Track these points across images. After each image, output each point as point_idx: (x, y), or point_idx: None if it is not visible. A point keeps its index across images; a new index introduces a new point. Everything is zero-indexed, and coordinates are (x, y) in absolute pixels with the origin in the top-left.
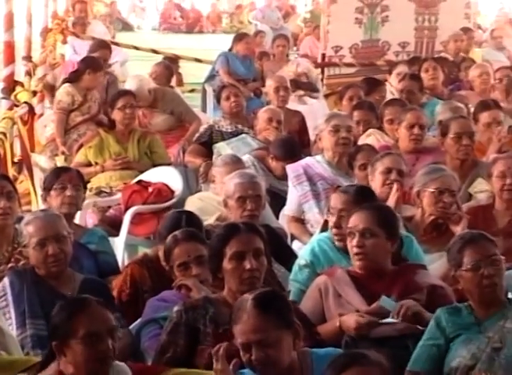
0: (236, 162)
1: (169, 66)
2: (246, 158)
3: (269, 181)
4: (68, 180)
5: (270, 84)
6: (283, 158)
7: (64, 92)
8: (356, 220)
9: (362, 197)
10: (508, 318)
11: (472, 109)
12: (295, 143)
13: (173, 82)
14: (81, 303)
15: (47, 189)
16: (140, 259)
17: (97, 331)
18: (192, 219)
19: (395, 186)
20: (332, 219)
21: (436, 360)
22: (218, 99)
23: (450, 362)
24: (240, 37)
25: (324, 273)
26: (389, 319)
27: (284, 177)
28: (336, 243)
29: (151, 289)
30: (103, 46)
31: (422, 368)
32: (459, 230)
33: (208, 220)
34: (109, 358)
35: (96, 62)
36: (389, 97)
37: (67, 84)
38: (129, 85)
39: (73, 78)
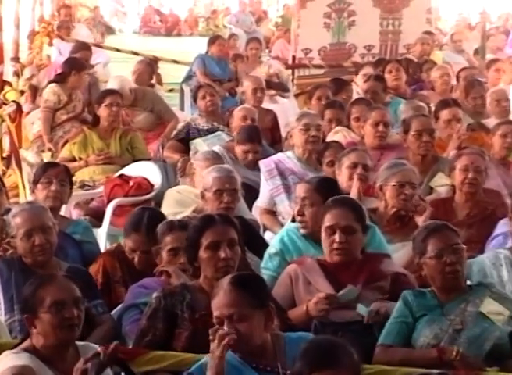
0: (216, 158)
1: (151, 63)
2: (216, 149)
3: (237, 170)
4: (54, 175)
5: (248, 85)
6: (243, 142)
7: (50, 92)
8: (337, 217)
9: (324, 187)
10: (469, 302)
11: (433, 108)
12: (257, 130)
13: (154, 80)
14: (48, 277)
15: (34, 182)
16: (112, 250)
17: (63, 299)
18: (155, 216)
19: (356, 177)
20: (296, 208)
21: (405, 336)
22: (194, 98)
23: (416, 340)
24: (213, 39)
25: (294, 262)
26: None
27: (250, 165)
28: (301, 230)
29: (121, 279)
30: (84, 48)
31: (394, 341)
32: (422, 220)
33: (185, 212)
34: (75, 326)
35: (79, 62)
36: (355, 97)
37: (53, 84)
38: (112, 85)
39: (59, 79)
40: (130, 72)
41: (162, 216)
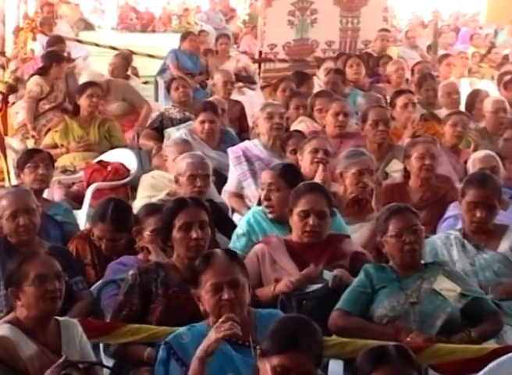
0: (185, 143)
1: (127, 57)
2: (181, 131)
3: (201, 149)
4: (40, 160)
5: (219, 78)
6: (198, 113)
7: (34, 83)
8: (311, 202)
9: (288, 173)
10: (424, 279)
11: (389, 101)
12: (212, 103)
13: (130, 72)
14: (31, 253)
15: (20, 167)
16: (84, 234)
17: (46, 273)
18: (120, 206)
19: (321, 166)
20: (262, 193)
21: (363, 306)
22: (168, 90)
23: (374, 311)
24: (185, 35)
25: (261, 241)
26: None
27: (211, 143)
28: (268, 215)
29: (91, 262)
30: (59, 41)
31: (351, 308)
32: (373, 201)
33: (159, 195)
34: (57, 298)
35: (59, 55)
36: (317, 89)
37: (36, 76)
38: (84, 79)
39: (42, 72)
40: (108, 63)
41: (128, 206)
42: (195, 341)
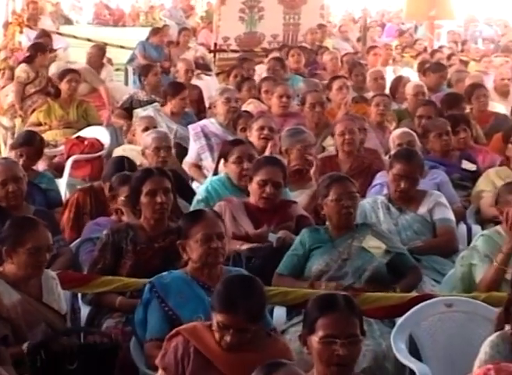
0: (150, 119)
1: (102, 48)
2: (149, 110)
3: (167, 123)
4: (26, 151)
5: (181, 66)
6: (175, 91)
7: (21, 70)
8: (270, 173)
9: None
10: (355, 238)
11: (326, 85)
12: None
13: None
14: (32, 222)
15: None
16: (86, 188)
17: (41, 246)
18: (131, 163)
19: (270, 142)
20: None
21: (297, 266)
22: (141, 75)
23: (310, 267)
24: (155, 31)
25: (224, 200)
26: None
27: (176, 119)
28: (237, 182)
29: (88, 212)
30: (45, 35)
31: (286, 271)
32: (312, 172)
33: None
34: (43, 267)
35: (42, 45)
36: (264, 74)
37: (23, 64)
38: (52, 70)
39: (28, 60)
40: (86, 54)
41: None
42: (174, 282)
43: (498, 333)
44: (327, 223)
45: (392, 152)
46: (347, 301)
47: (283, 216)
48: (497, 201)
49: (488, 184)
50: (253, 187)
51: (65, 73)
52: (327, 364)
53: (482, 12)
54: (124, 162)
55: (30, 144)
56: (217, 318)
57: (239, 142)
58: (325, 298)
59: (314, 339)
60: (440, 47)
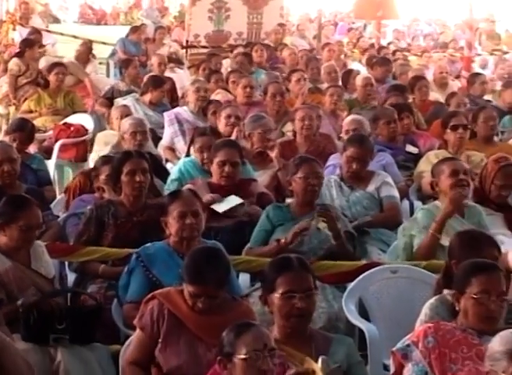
0: (124, 107)
1: (89, 46)
2: (128, 99)
3: (144, 111)
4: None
5: (155, 60)
6: (154, 84)
7: (14, 64)
8: (227, 155)
9: (215, 134)
10: (314, 218)
11: (285, 77)
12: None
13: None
14: (26, 202)
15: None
16: (87, 172)
17: (32, 225)
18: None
19: (236, 128)
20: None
21: (266, 240)
22: (123, 68)
23: (272, 243)
24: (134, 29)
25: (190, 183)
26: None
27: (153, 108)
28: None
29: (88, 191)
30: (36, 32)
31: (254, 245)
32: (274, 155)
33: (106, 149)
34: (33, 242)
35: (31, 41)
36: (230, 68)
37: (15, 58)
38: (42, 63)
39: (19, 54)
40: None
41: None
42: (158, 253)
43: (437, 296)
44: (287, 200)
45: (346, 137)
46: (300, 261)
47: (244, 193)
48: (432, 174)
49: (428, 165)
50: (214, 167)
51: (53, 66)
52: (287, 317)
53: (424, 13)
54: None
55: (22, 130)
56: (188, 288)
57: (202, 133)
58: (280, 260)
59: (275, 296)
60: (389, 43)
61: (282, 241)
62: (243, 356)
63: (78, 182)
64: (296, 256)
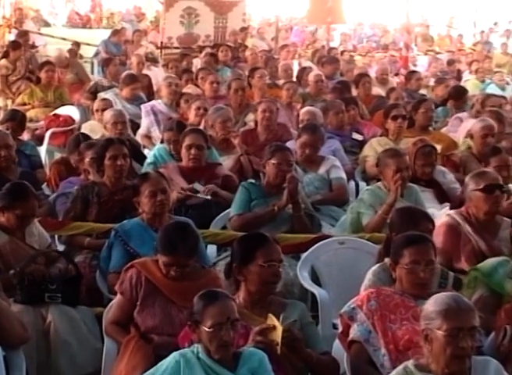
0: (104, 101)
1: (78, 45)
2: (109, 94)
3: (123, 104)
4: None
5: (134, 60)
6: (129, 81)
7: (2, 65)
8: (193, 139)
9: (181, 126)
10: (280, 199)
11: (247, 74)
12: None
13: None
14: (25, 192)
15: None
16: (59, 160)
17: (28, 214)
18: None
19: (203, 119)
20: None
21: (248, 208)
22: (105, 66)
23: None
24: (115, 32)
25: (162, 167)
26: (199, 195)
27: (130, 101)
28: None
29: (64, 178)
30: (23, 35)
31: (242, 211)
32: (237, 143)
33: (95, 136)
34: (27, 226)
35: (15, 43)
36: (199, 66)
37: (3, 59)
38: (54, 55)
39: (5, 55)
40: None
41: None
42: (134, 228)
43: (379, 264)
44: (250, 180)
45: (301, 126)
46: (271, 236)
47: (210, 175)
48: (378, 164)
49: (371, 150)
50: (182, 151)
51: (44, 64)
52: (265, 283)
53: (367, 18)
54: (80, 137)
55: (14, 119)
56: (162, 258)
57: (170, 129)
58: (256, 235)
59: (255, 265)
60: (341, 44)
61: (276, 207)
62: (207, 329)
63: (54, 173)
64: (262, 233)
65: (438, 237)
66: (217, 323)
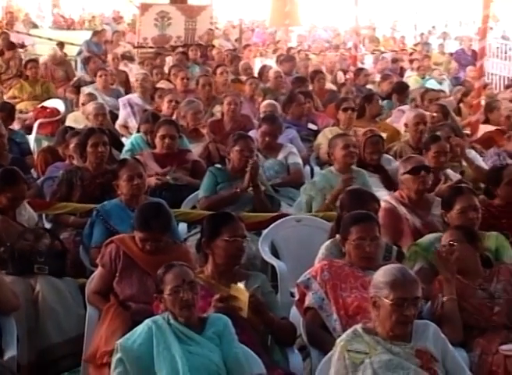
0: (89, 94)
1: (63, 45)
2: (90, 88)
3: (103, 97)
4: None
5: (110, 56)
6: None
7: None
8: (166, 130)
9: (156, 117)
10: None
11: (213, 70)
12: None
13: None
14: (15, 178)
15: None
16: (45, 149)
17: (17, 197)
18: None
19: (176, 111)
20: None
21: (215, 191)
22: (86, 63)
23: None
24: (96, 33)
25: (138, 154)
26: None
27: (108, 93)
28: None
29: (50, 164)
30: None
31: (209, 194)
32: (206, 132)
33: (79, 126)
34: (17, 207)
35: (11, 44)
36: (171, 63)
37: None
38: (50, 52)
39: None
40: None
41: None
42: (113, 209)
43: (331, 240)
44: (216, 165)
45: (261, 116)
46: (236, 215)
47: (181, 160)
48: (329, 146)
49: (324, 139)
50: (156, 140)
51: (28, 62)
52: (230, 256)
53: (320, 21)
54: (67, 130)
55: (3, 110)
56: (138, 235)
57: (146, 121)
58: (222, 214)
59: (221, 240)
60: (299, 44)
61: (238, 190)
62: (167, 292)
63: (41, 160)
64: (228, 212)
65: (380, 221)
66: (174, 286)
